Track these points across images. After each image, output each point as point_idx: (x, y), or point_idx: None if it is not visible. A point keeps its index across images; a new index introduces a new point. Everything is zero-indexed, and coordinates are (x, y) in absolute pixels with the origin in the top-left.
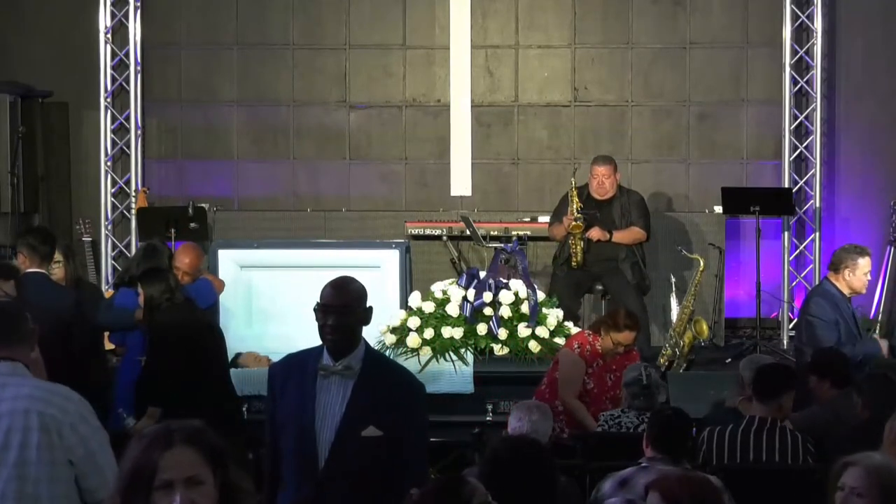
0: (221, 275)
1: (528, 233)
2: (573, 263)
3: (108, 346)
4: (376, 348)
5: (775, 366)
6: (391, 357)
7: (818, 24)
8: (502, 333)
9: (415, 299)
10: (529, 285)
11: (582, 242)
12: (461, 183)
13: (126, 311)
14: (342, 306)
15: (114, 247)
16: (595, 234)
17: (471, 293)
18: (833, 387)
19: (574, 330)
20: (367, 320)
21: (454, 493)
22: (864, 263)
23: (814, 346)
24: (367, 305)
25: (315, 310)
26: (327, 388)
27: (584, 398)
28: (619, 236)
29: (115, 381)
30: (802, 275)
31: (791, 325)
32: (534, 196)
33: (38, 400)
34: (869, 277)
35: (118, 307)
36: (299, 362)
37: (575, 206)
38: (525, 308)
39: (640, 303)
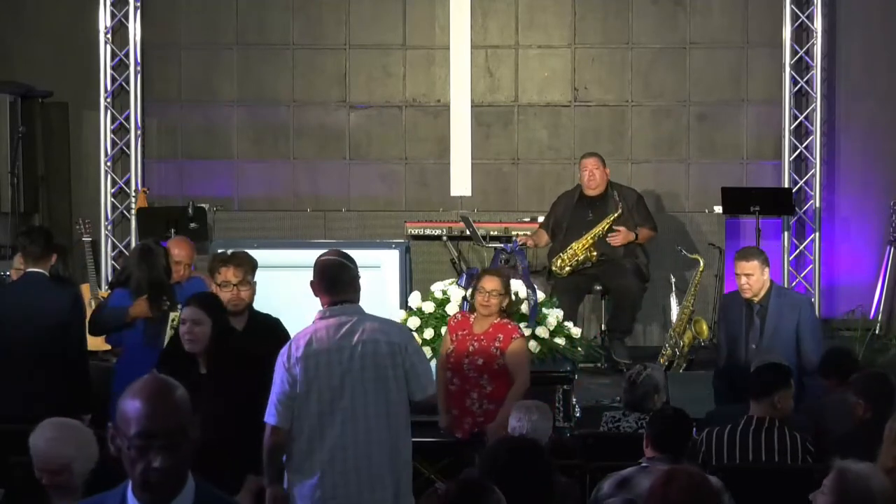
0: None
1: (528, 233)
2: (554, 269)
3: (105, 346)
4: None
5: (769, 365)
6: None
7: (818, 24)
8: None
9: (415, 299)
10: (529, 285)
11: (584, 260)
12: (461, 183)
13: (120, 309)
14: (174, 431)
15: (114, 247)
16: (619, 239)
17: (471, 293)
18: None
19: (574, 330)
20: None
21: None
22: (736, 266)
23: None
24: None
25: (112, 438)
26: None
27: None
28: (641, 236)
29: (112, 382)
30: (802, 275)
31: None
32: (534, 196)
33: (382, 331)
34: (741, 281)
35: (111, 307)
36: None
37: (601, 231)
38: (525, 308)
39: (638, 284)
